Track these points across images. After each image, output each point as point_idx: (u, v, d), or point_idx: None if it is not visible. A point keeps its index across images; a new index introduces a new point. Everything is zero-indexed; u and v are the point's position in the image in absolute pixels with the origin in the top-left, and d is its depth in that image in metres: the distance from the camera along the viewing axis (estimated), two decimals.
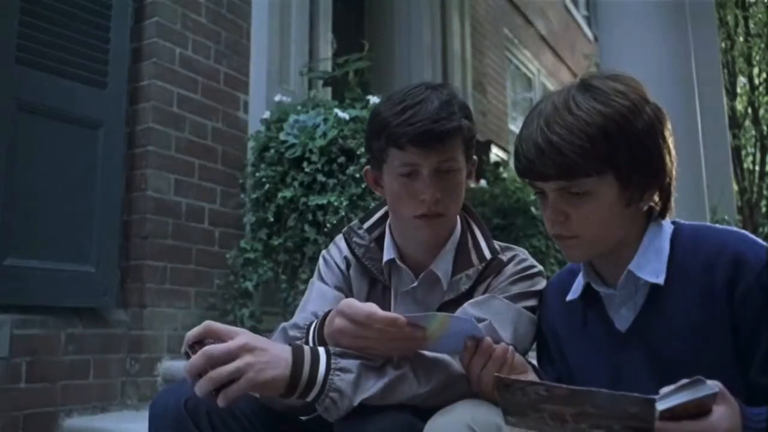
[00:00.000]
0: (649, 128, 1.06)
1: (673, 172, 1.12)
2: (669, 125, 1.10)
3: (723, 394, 0.88)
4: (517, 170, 1.13)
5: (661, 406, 0.83)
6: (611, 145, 1.02)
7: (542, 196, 1.11)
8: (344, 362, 1.06)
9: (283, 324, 1.26)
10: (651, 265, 1.09)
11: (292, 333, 1.21)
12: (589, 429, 0.86)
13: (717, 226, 1.14)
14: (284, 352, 1.06)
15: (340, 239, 1.41)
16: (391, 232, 1.36)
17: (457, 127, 1.24)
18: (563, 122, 1.03)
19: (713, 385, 0.86)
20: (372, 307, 1.06)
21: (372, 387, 1.05)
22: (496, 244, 1.35)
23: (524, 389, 0.87)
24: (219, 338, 1.04)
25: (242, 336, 1.04)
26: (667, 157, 1.09)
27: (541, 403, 0.87)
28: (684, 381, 0.86)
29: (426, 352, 1.12)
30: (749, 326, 1.01)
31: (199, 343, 1.04)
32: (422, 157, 1.23)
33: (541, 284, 1.31)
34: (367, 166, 1.36)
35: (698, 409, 0.85)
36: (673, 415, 0.84)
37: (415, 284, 1.33)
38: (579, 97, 1.05)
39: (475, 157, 1.34)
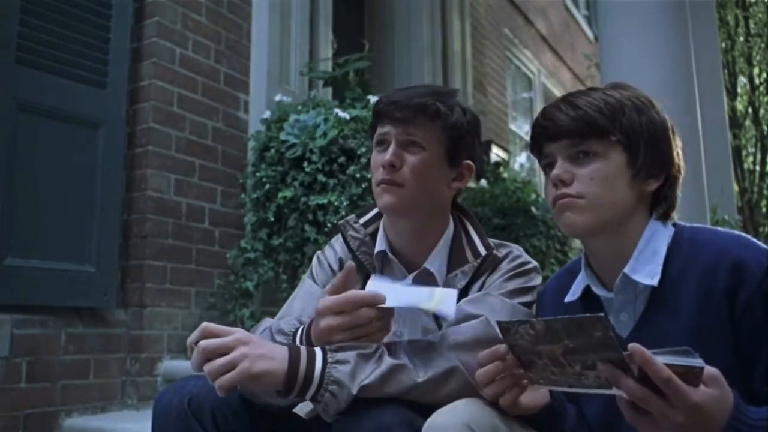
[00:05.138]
0: (662, 120, 1.13)
1: (679, 175, 1.14)
2: (678, 137, 1.16)
3: (717, 379, 0.86)
4: (533, 138, 1.17)
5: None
6: (625, 116, 1.11)
7: (549, 168, 1.14)
8: (340, 355, 1.07)
9: (270, 323, 1.25)
10: (646, 268, 1.09)
11: (278, 338, 1.20)
12: (583, 370, 0.90)
13: (718, 229, 1.12)
14: (280, 348, 1.07)
15: (335, 240, 1.43)
16: (384, 227, 1.37)
17: (429, 105, 1.25)
18: (585, 94, 1.14)
19: (701, 362, 0.85)
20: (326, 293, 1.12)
21: (370, 374, 1.05)
22: (491, 241, 1.35)
23: (518, 330, 0.95)
24: (217, 337, 1.06)
25: (238, 333, 1.07)
26: (675, 152, 1.14)
27: (535, 344, 0.93)
28: (675, 348, 0.86)
29: (423, 343, 1.14)
30: (751, 334, 0.99)
31: None
32: (390, 127, 1.27)
33: (537, 280, 1.31)
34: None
35: (684, 379, 0.85)
36: None
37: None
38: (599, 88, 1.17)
39: (468, 161, 1.33)
